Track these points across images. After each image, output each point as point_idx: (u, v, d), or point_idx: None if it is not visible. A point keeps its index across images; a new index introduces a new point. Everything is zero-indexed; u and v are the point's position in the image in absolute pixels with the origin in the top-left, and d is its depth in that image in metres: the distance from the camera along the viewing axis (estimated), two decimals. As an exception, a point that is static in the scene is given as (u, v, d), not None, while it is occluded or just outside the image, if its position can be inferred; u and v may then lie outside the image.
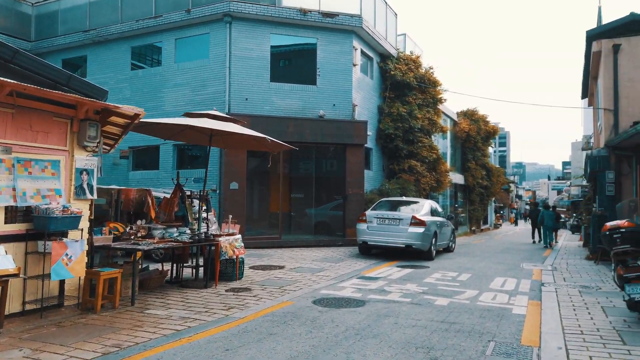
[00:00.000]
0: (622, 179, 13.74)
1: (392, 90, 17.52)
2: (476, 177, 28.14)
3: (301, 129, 14.18)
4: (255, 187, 14.90)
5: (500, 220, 47.07)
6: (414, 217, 11.55)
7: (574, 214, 35.00)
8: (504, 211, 54.80)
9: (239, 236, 8.37)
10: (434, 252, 12.25)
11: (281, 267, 9.97)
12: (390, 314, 5.99)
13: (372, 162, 16.76)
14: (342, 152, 14.78)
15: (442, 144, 24.99)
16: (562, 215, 27.08)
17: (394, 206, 12.69)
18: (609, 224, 5.88)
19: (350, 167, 14.65)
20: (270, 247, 13.60)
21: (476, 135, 27.74)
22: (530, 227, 28.34)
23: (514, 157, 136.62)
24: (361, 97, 15.89)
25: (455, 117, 26.43)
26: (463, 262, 12.04)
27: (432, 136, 19.19)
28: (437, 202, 23.33)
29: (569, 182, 55.21)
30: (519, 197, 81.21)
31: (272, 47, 14.51)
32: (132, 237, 7.24)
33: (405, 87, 17.47)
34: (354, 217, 13.88)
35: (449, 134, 25.61)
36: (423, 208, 12.32)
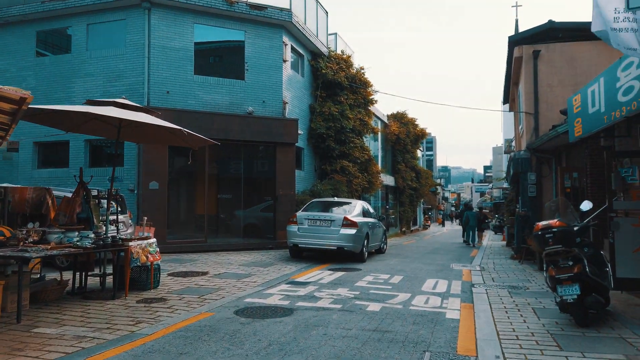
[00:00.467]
0: (542, 180, 14.27)
1: (323, 89, 17.17)
2: (406, 178, 28.61)
3: (228, 126, 13.39)
4: (178, 188, 13.89)
5: (429, 221, 48.58)
6: (345, 219, 11.18)
7: (496, 215, 36.70)
8: (432, 212, 56.67)
9: (154, 240, 7.51)
10: (366, 253, 11.97)
11: (204, 274, 9.18)
12: (320, 324, 5.48)
13: (303, 162, 16.29)
14: (272, 151, 14.16)
15: (374, 146, 25.11)
16: (488, 217, 28.30)
17: (326, 207, 12.27)
18: (541, 223, 5.74)
19: (281, 167, 14.06)
20: (196, 252, 12.68)
21: (406, 138, 28.21)
22: (457, 227, 29.97)
23: (440, 162, 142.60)
24: (292, 95, 15.38)
25: (385, 120, 26.69)
26: (395, 263, 11.85)
27: (364, 137, 19.08)
28: (369, 203, 23.35)
29: (491, 185, 58.23)
30: (445, 199, 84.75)
31: (196, 38, 13.61)
32: (22, 242, 6.18)
33: (337, 86, 17.20)
34: (284, 219, 13.30)
35: (379, 136, 25.79)
36: (355, 209, 12.01)
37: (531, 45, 14.48)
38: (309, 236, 11.22)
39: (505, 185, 46.07)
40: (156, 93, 13.02)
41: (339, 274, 9.56)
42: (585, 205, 6.17)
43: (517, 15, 49.71)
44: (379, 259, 12.68)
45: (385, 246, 14.86)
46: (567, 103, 9.58)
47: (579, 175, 11.39)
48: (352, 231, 11.12)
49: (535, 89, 14.38)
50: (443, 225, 52.57)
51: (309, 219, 11.35)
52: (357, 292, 7.49)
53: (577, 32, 14.20)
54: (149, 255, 7.24)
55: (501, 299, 7.19)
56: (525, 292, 7.77)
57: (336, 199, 12.83)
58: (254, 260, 11.30)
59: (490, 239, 27.01)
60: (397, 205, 29.79)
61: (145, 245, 7.18)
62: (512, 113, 41.28)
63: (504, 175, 33.63)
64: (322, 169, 17.26)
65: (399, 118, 28.56)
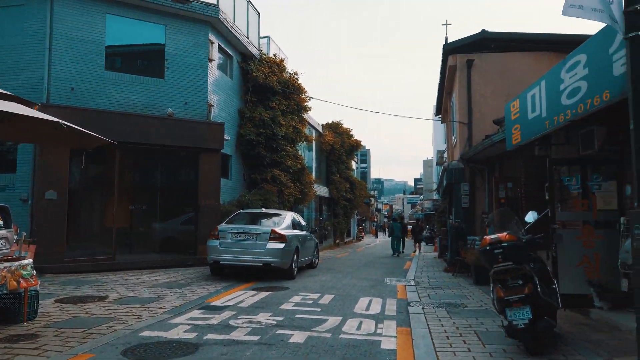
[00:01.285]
0: (476, 191, 14.07)
1: (254, 93, 16.14)
2: (340, 189, 28.09)
3: (145, 129, 11.98)
4: (82, 198, 12.20)
5: (363, 233, 48.55)
6: (273, 232, 10.16)
7: (427, 226, 37.13)
8: (366, 224, 56.89)
9: (29, 261, 6.08)
10: (296, 269, 10.99)
11: (102, 298, 7.77)
12: (229, 364, 4.42)
13: (231, 171, 15.11)
14: (195, 158, 12.87)
15: (308, 156, 24.34)
16: (426, 228, 28.10)
17: (252, 219, 11.19)
18: (490, 237, 5.06)
19: (205, 175, 12.80)
20: (102, 271, 11.09)
21: (340, 148, 27.75)
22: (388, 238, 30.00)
23: (373, 174, 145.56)
24: (219, 98, 14.21)
25: (320, 129, 26.06)
26: (326, 280, 10.97)
27: (297, 146, 18.22)
28: (302, 214, 22.46)
29: (422, 196, 59.53)
30: (379, 210, 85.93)
31: (109, 30, 12.13)
32: None
33: (269, 91, 16.24)
34: (207, 233, 12.00)
35: (314, 146, 25.09)
36: (284, 221, 11.03)
37: (465, 55, 14.35)
38: (232, 252, 10.07)
39: (436, 196, 47.15)
40: (59, 90, 11.38)
41: (264, 294, 8.50)
42: (531, 217, 5.59)
43: (446, 33, 51.30)
44: (310, 275, 11.75)
45: (317, 260, 13.98)
46: (505, 109, 9.23)
47: (514, 186, 11.15)
48: (280, 245, 10.11)
49: (468, 99, 14.23)
50: (376, 236, 52.85)
51: (232, 233, 10.21)
52: (281, 318, 6.48)
53: (510, 43, 14.24)
54: (22, 280, 5.82)
55: (440, 320, 6.47)
56: (464, 311, 7.13)
57: (264, 210, 11.79)
58: (168, 280, 9.96)
59: (422, 250, 26.99)
60: (331, 216, 29.16)
61: (15, 268, 5.76)
62: (443, 125, 42.26)
63: (435, 187, 34.14)
64: (251, 178, 16.16)
65: (334, 128, 28.08)
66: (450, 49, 14.50)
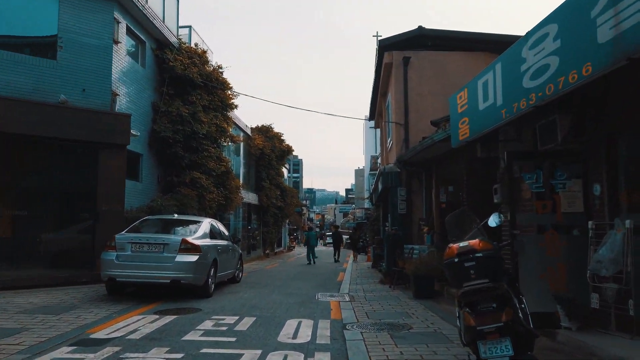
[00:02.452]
0: (413, 196, 13.21)
1: (171, 86, 14.34)
2: (271, 197, 26.59)
3: (32, 117, 9.90)
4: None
5: (295, 242, 47.19)
6: (184, 241, 8.50)
7: (361, 235, 36.42)
8: (298, 233, 55.64)
9: None
10: (213, 286, 9.38)
11: (-61, 333, 5.76)
12: None
13: (141, 172, 13.18)
14: (95, 155, 10.89)
15: (236, 161, 22.68)
16: (366, 237, 27.14)
17: (161, 227, 9.47)
18: (459, 245, 3.85)
19: (106, 175, 10.84)
20: (-35, 293, 8.83)
21: (271, 153, 26.33)
22: (322, 248, 30.31)
23: (305, 184, 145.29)
24: (128, 87, 12.31)
25: (249, 132, 24.47)
26: (249, 297, 9.45)
27: (222, 146, 16.55)
28: (228, 223, 20.71)
29: (353, 205, 59.34)
30: (311, 220, 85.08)
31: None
32: None
33: (188, 83, 14.50)
34: (107, 243, 10.09)
35: (242, 150, 23.46)
36: (200, 229, 9.39)
37: (401, 52, 13.53)
38: (132, 266, 8.28)
39: (368, 205, 46.89)
40: None
41: (167, 319, 6.84)
42: (493, 220, 4.49)
43: (377, 45, 51.97)
44: (231, 292, 10.17)
45: (240, 274, 12.40)
46: (450, 102, 8.28)
47: (455, 189, 10.30)
48: (193, 258, 8.47)
49: (405, 98, 13.40)
50: (308, 246, 51.67)
51: (133, 243, 8.42)
52: (180, 356, 4.91)
53: (447, 41, 13.62)
54: None
55: (384, 349, 5.23)
56: (410, 335, 5.95)
57: (177, 217, 10.05)
58: (49, 303, 7.98)
59: (357, 259, 26.10)
60: (260, 225, 27.53)
61: None
62: (377, 131, 42.10)
63: (368, 194, 33.61)
64: (167, 180, 14.28)
65: (264, 132, 26.63)
66: (387, 45, 13.64)
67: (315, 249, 24.07)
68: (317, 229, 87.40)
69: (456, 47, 13.57)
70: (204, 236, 9.28)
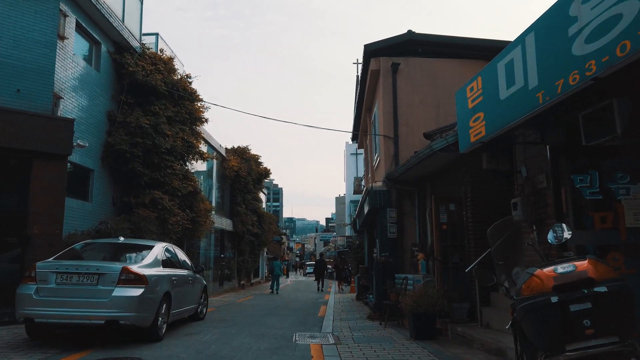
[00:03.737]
0: (404, 218, 11.67)
1: (131, 94, 12.69)
2: (246, 223, 24.72)
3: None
4: None
5: (286, 270, 44.96)
6: (125, 271, 6.70)
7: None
8: (284, 262, 53.40)
9: None
10: (164, 327, 7.54)
11: None
12: None
13: (91, 190, 11.35)
14: (27, 167, 9.08)
15: (208, 184, 20.94)
16: (349, 266, 25.73)
17: (101, 253, 7.66)
18: (555, 270, 2.22)
19: (40, 191, 9.01)
20: None
21: (247, 176, 24.62)
22: (302, 278, 30.01)
23: (286, 213, 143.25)
24: (76, 92, 10.64)
25: (223, 153, 22.79)
26: (211, 339, 7.63)
27: (188, 164, 14.83)
28: (198, 251, 18.79)
29: (334, 234, 57.60)
30: (290, 249, 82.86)
31: None
32: None
33: (151, 92, 12.88)
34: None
35: (214, 172, 21.72)
36: (149, 255, 7.60)
37: (389, 58, 12.22)
38: (56, 302, 6.43)
39: (348, 233, 45.18)
40: None
41: (89, 377, 5.02)
42: (563, 234, 2.91)
43: (357, 72, 51.19)
44: (189, 332, 8.32)
45: (205, 309, 10.54)
46: (456, 98, 6.83)
47: (457, 208, 8.79)
48: (137, 292, 6.67)
49: (394, 109, 12.02)
50: (287, 276, 49.48)
51: (59, 273, 6.59)
52: None
53: (438, 48, 12.38)
54: None
55: None
56: (422, 399, 4.27)
57: (122, 240, 8.21)
58: (-60, 354, 6.06)
59: (334, 290, 24.27)
60: (235, 254, 25.54)
61: None
62: (357, 158, 40.72)
63: (350, 220, 32.01)
64: (123, 201, 12.45)
65: (240, 153, 24.98)
66: (373, 51, 12.33)
67: (295, 279, 22.59)
68: (297, 259, 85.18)
69: (449, 54, 12.35)
70: (154, 264, 7.49)
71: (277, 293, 21.46)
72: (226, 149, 23.53)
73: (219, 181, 22.53)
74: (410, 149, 11.42)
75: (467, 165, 8.44)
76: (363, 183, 19.79)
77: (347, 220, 40.22)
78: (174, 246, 9.19)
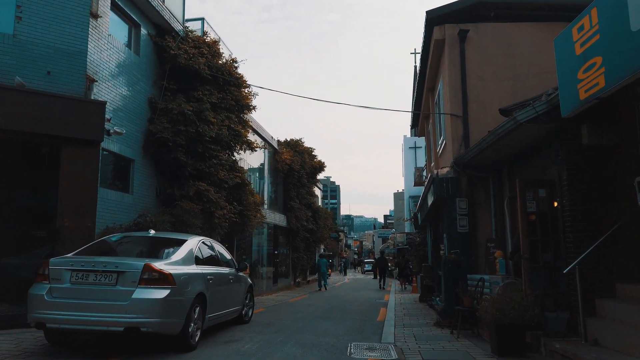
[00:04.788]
0: (476, 209, 10.04)
1: (173, 79, 11.92)
2: (300, 218, 23.73)
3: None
4: None
5: (330, 270, 43.94)
6: (148, 268, 5.69)
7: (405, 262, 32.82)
8: (333, 260, 52.39)
9: None
10: (198, 333, 6.50)
11: None
12: None
13: (132, 181, 10.64)
14: (56, 154, 8.39)
15: (259, 179, 20.12)
16: (410, 265, 24.58)
17: (125, 247, 6.75)
18: None
19: (69, 180, 8.29)
20: None
21: (300, 169, 23.61)
22: (360, 276, 29.53)
23: (343, 210, 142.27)
24: (113, 75, 9.92)
25: (275, 145, 21.88)
26: (251, 351, 6.52)
27: (237, 154, 13.92)
28: (250, 247, 17.98)
29: (393, 230, 55.69)
30: (348, 246, 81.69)
31: None
32: None
33: (194, 77, 12.05)
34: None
35: (266, 165, 20.84)
36: (180, 251, 6.58)
37: (456, 25, 10.60)
38: (71, 305, 5.53)
39: (407, 229, 43.13)
40: None
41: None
42: None
43: (415, 62, 48.98)
44: (229, 339, 7.26)
45: (251, 311, 9.49)
46: (555, 46, 5.25)
47: (547, 194, 7.12)
48: (161, 293, 5.65)
49: (463, 83, 10.40)
50: (345, 274, 48.29)
51: (74, 270, 5.70)
52: None
53: (514, 10, 10.60)
54: None
55: None
56: None
57: (152, 234, 7.27)
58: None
59: (395, 290, 22.73)
60: (290, 250, 24.66)
61: None
62: (415, 152, 38.74)
63: (410, 215, 30.22)
64: (167, 193, 11.70)
65: (293, 146, 24.02)
66: (437, 17, 10.74)
67: (353, 277, 21.60)
68: (355, 256, 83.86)
69: (527, 17, 10.55)
70: (185, 261, 6.46)
71: (325, 289, 22.04)
72: (278, 141, 22.63)
73: (271, 175, 21.65)
74: (482, 129, 9.77)
75: (560, 140, 6.77)
76: (424, 173, 18.13)
77: (407, 216, 38.32)
78: (212, 240, 8.16)
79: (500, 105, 9.38)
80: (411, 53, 77.40)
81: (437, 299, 11.30)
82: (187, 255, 6.60)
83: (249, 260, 17.46)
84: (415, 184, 21.31)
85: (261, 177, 20.38)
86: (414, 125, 18.85)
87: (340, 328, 8.98)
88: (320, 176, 33.24)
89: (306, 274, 28.33)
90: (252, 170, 18.40)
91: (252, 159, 18.19)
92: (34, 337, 6.73)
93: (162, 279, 5.72)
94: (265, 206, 19.50)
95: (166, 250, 6.53)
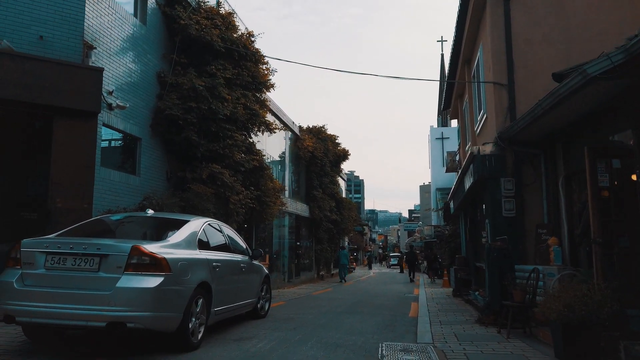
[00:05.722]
0: (524, 190, 8.76)
1: (184, 52, 10.99)
2: (323, 208, 22.65)
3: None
4: None
5: (355, 263, 42.84)
6: (136, 251, 4.68)
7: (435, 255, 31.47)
8: (358, 253, 51.26)
9: None
10: (201, 331, 5.49)
11: None
12: None
13: (139, 162, 9.75)
14: (48, 126, 7.51)
15: (280, 169, 19.14)
16: (439, 258, 23.72)
17: (119, 229, 5.79)
18: None
19: (63, 156, 7.41)
20: None
21: (323, 157, 22.52)
22: (386, 270, 28.79)
23: (367, 205, 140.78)
24: (116, 45, 9.01)
25: (297, 131, 20.83)
26: (263, 351, 5.48)
27: (254, 136, 12.93)
28: (271, 236, 17.02)
29: (420, 223, 54.14)
30: (373, 240, 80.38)
31: None
32: None
33: (206, 50, 11.08)
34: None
35: (287, 152, 19.82)
36: (179, 232, 5.56)
37: (499, -19, 9.29)
38: (45, 295, 4.59)
39: (435, 222, 41.55)
40: None
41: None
42: None
43: (442, 50, 47.04)
44: (240, 336, 6.25)
45: (268, 304, 8.47)
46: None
47: (623, 165, 5.85)
48: (153, 282, 4.65)
49: (508, 48, 9.15)
50: (370, 267, 47.11)
51: (50, 253, 4.74)
52: None
53: (568, -38, 9.21)
54: None
55: None
56: None
57: (150, 213, 6.26)
58: None
59: (425, 284, 21.43)
60: (313, 242, 23.65)
61: None
62: (443, 142, 37.19)
63: (439, 205, 28.80)
64: (178, 176, 10.79)
65: (316, 133, 22.95)
66: (477, -26, 9.46)
67: (379, 271, 20.51)
68: (380, 250, 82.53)
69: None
70: (185, 244, 5.45)
71: (344, 282, 22.07)
72: (300, 127, 21.57)
73: (292, 162, 20.63)
74: (530, 99, 8.47)
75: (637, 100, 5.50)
76: (457, 158, 16.80)
77: (435, 206, 36.82)
78: (221, 223, 7.14)
79: (554, 69, 8.07)
80: (438, 41, 75.23)
81: (477, 293, 10.06)
82: (189, 237, 5.59)
83: (269, 252, 16.51)
84: (448, 170, 19.95)
85: (282, 164, 19.38)
86: (446, 107, 17.50)
87: (368, 324, 7.88)
88: (345, 169, 32.13)
89: (330, 266, 27.30)
90: (273, 159, 17.40)
91: (272, 145, 17.20)
92: (15, 332, 5.84)
93: (155, 264, 4.72)
94: (287, 194, 18.52)
95: (164, 232, 5.53)
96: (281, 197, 14.95)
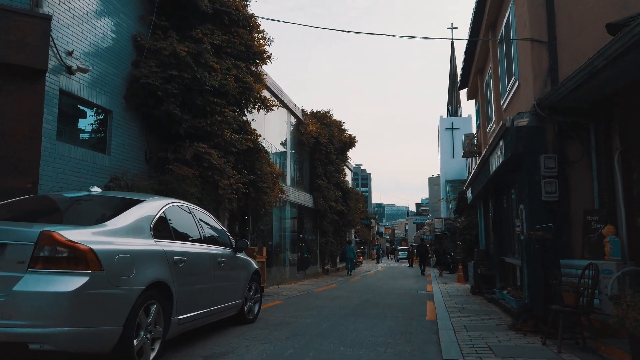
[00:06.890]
0: (568, 170, 7.22)
1: (165, 14, 9.54)
2: (328, 198, 21.16)
3: None
4: None
5: (362, 257, 41.39)
6: (48, 239, 3.25)
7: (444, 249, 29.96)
8: (366, 247, 49.83)
9: None
10: (155, 349, 4.05)
11: None
12: None
13: (109, 139, 8.32)
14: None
15: (280, 153, 17.68)
16: (452, 252, 22.95)
17: (40, 210, 4.38)
18: None
19: (5, 126, 5.98)
20: None
21: (329, 143, 21.01)
22: (394, 264, 27.52)
23: (374, 199, 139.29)
24: (81, 3, 7.56)
25: (299, 115, 19.33)
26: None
27: (249, 113, 11.47)
28: (271, 228, 15.60)
29: (429, 215, 52.58)
30: (380, 234, 78.92)
31: None
32: None
33: (191, 12, 9.63)
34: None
35: (289, 137, 18.35)
36: (124, 215, 4.11)
37: None
38: None
39: (444, 214, 39.96)
40: None
41: None
42: None
43: (452, 36, 45.19)
44: (214, 350, 4.82)
45: (257, 307, 7.03)
46: None
47: None
48: (71, 284, 3.22)
49: (547, -2, 7.54)
50: (378, 261, 45.66)
51: None
52: None
53: None
54: None
55: None
56: None
57: (95, 192, 4.79)
58: None
59: (437, 279, 19.92)
60: (317, 234, 22.21)
61: None
62: (453, 133, 35.51)
63: (452, 195, 27.20)
64: (159, 157, 9.36)
65: (320, 118, 21.44)
66: None
67: (387, 265, 19.04)
68: (387, 244, 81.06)
69: None
70: (130, 231, 4.00)
71: (350, 275, 22.12)
72: (303, 110, 20.07)
73: (294, 149, 19.15)
74: (576, 59, 6.94)
75: None
76: (475, 141, 15.22)
77: (443, 201, 35.30)
78: (193, 206, 5.67)
79: (607, 20, 6.52)
80: (448, 28, 73.54)
81: (505, 292, 8.56)
82: (138, 222, 4.14)
83: (269, 245, 15.09)
84: (465, 155, 18.37)
85: (283, 150, 17.93)
86: (462, 86, 15.91)
87: (378, 331, 6.43)
88: (352, 162, 30.60)
89: (336, 260, 25.88)
90: (274, 149, 15.94)
91: (272, 130, 15.74)
92: None
93: (76, 257, 3.28)
94: (288, 181, 17.08)
95: (102, 215, 4.09)
96: (280, 183, 13.50)
